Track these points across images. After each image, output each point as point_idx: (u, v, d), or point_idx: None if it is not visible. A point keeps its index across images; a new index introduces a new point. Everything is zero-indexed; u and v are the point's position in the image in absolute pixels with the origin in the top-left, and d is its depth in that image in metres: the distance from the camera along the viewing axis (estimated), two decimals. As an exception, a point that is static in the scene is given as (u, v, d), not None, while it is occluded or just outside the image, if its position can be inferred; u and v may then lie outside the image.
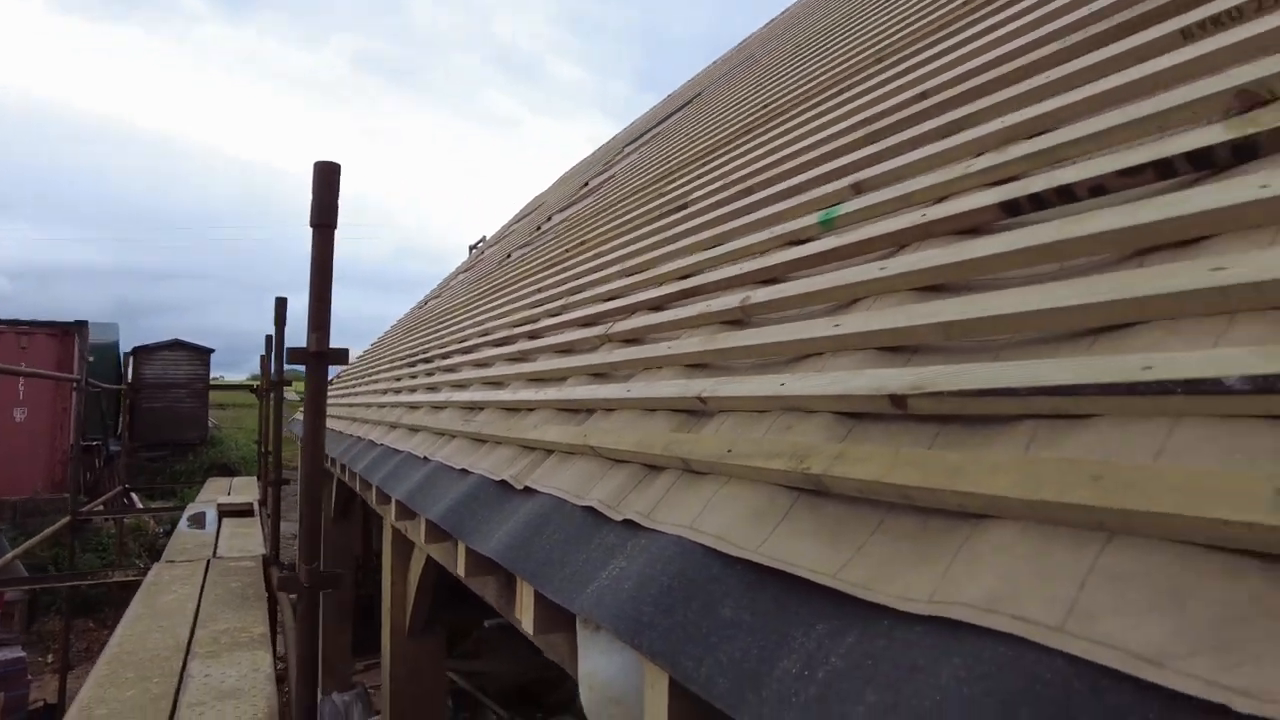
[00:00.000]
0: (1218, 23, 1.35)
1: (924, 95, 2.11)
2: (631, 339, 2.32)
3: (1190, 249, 1.00)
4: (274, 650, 4.77)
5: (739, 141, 3.55)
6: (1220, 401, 0.75)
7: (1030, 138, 1.48)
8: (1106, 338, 0.99)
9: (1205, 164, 1.10)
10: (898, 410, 1.11)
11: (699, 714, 1.16)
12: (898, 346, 1.28)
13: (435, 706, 5.40)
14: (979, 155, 1.57)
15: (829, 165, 2.18)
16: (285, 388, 8.91)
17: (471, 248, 14.85)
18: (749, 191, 2.61)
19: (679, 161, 4.30)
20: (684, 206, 3.18)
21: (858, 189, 1.90)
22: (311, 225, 3.08)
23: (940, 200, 1.55)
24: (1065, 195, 1.26)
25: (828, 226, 1.85)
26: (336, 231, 2.99)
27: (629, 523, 1.41)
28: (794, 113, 3.21)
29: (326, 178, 2.99)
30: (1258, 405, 0.73)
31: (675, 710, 1.17)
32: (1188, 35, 1.40)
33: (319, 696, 7.12)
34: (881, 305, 1.40)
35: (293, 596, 4.50)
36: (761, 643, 0.98)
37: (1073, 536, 0.76)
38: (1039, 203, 1.29)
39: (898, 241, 1.56)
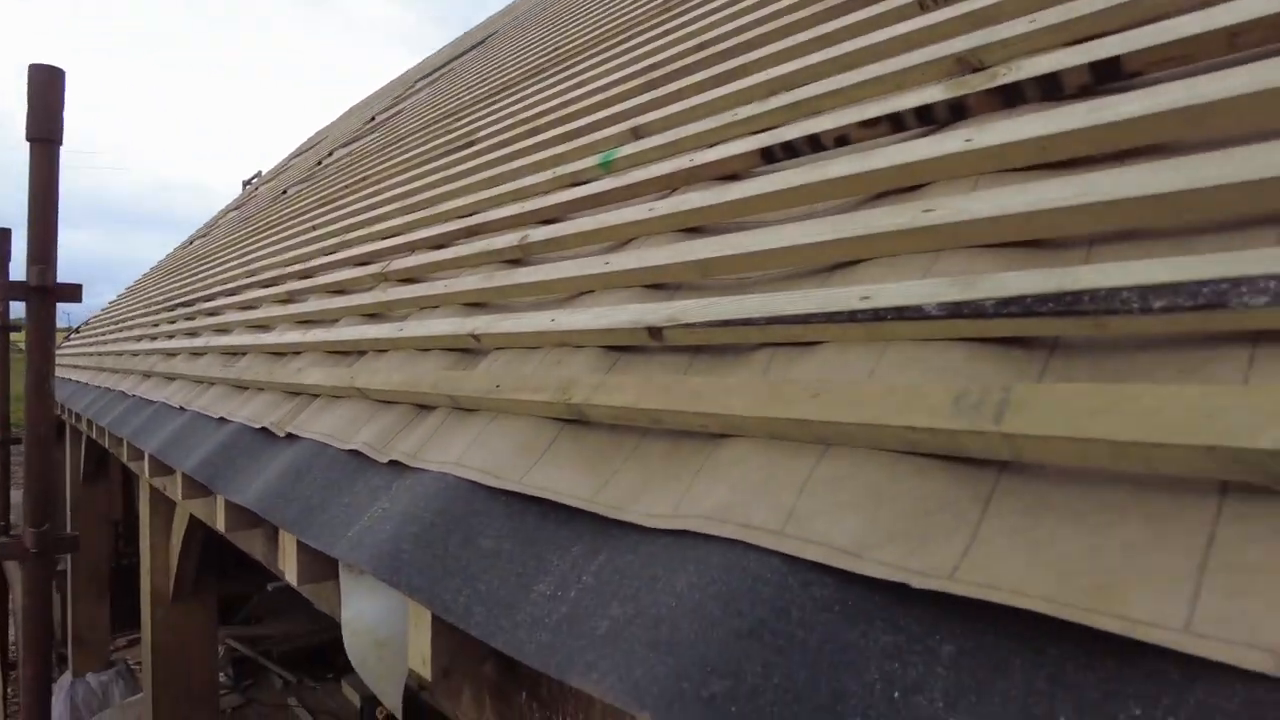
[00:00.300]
0: (948, -5, 1.49)
1: (702, 46, 2.17)
2: (409, 278, 2.22)
3: (912, 194, 1.10)
4: (4, 633, 4.20)
5: (529, 82, 3.47)
6: (922, 326, 0.84)
7: (790, 90, 1.56)
8: (841, 273, 1.08)
9: (929, 119, 1.21)
10: (656, 342, 1.14)
11: (464, 647, 1.16)
12: (661, 284, 1.32)
13: (206, 676, 5.03)
14: (745, 105, 1.64)
15: (611, 109, 2.19)
16: (15, 334, 7.73)
17: (246, 183, 13.53)
18: (535, 132, 2.57)
19: (469, 99, 4.15)
20: (471, 144, 3.07)
21: (636, 133, 1.92)
22: (29, 140, 2.66)
23: (709, 146, 1.60)
24: (814, 144, 1.34)
25: (607, 169, 1.86)
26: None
27: (395, 464, 1.37)
28: (582, 57, 3.18)
29: (46, 84, 2.58)
30: (950, 329, 0.82)
31: (439, 647, 1.16)
32: (923, 6, 1.53)
33: (69, 679, 6.42)
34: (650, 245, 1.44)
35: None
36: (519, 570, 0.98)
37: (797, 449, 0.83)
38: (792, 150, 1.37)
39: (669, 185, 1.60)
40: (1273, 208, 0.74)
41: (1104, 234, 0.87)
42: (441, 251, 2.16)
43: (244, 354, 2.75)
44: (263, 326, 2.94)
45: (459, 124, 3.67)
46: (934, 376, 0.80)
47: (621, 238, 1.56)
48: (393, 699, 1.45)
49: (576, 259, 1.57)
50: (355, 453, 1.50)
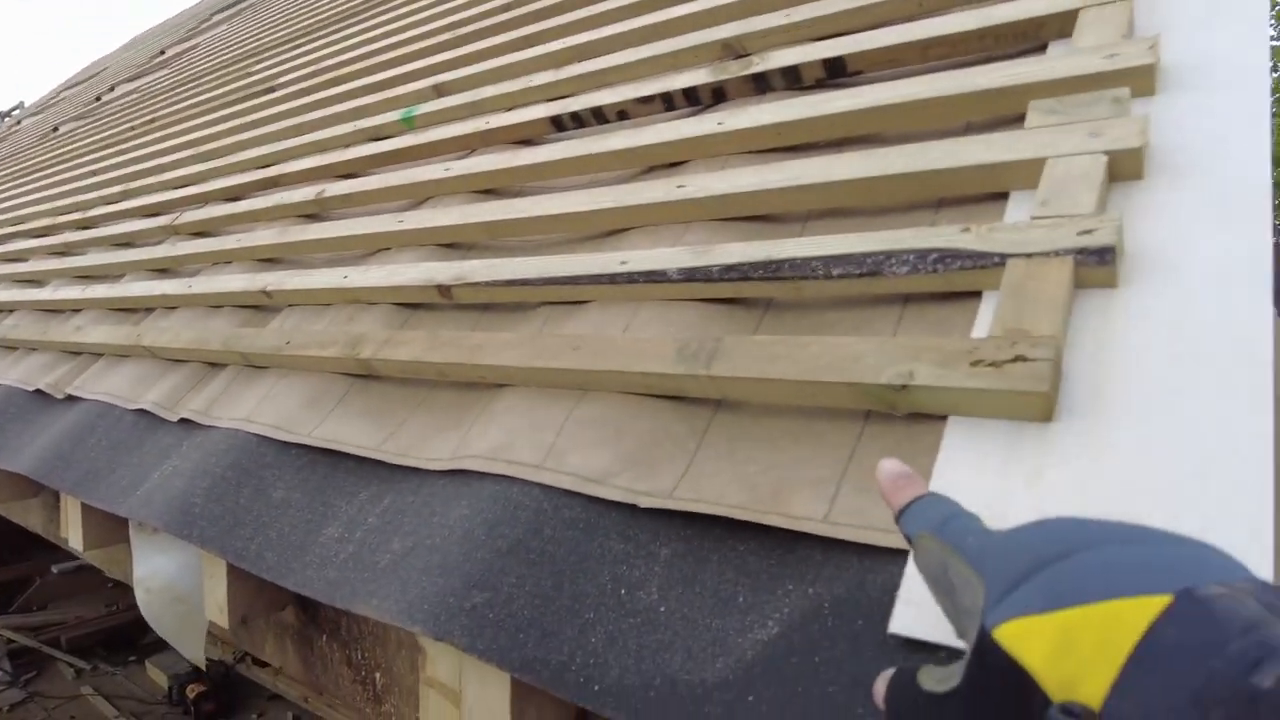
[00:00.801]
0: (722, -19, 1.62)
1: (506, 7, 2.21)
2: (202, 231, 2.14)
3: (674, 169, 1.24)
4: None
5: (335, 27, 3.34)
6: (667, 288, 0.98)
7: (581, 61, 1.66)
8: (612, 239, 1.20)
9: (695, 100, 1.35)
10: (445, 300, 1.22)
11: (261, 595, 1.20)
12: (454, 243, 1.39)
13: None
14: (541, 72, 1.71)
15: (416, 64, 2.19)
16: None
17: (4, 115, 11.87)
18: (338, 81, 2.51)
19: (272, 40, 3.91)
20: (271, 90, 2.94)
21: (439, 90, 1.95)
22: None
23: (506, 110, 1.67)
24: (599, 116, 1.45)
25: (408, 125, 1.88)
26: None
27: (186, 422, 1.36)
28: (390, 5, 3.11)
29: None
30: (687, 290, 0.96)
31: (235, 596, 1.19)
32: (704, -12, 1.66)
33: None
34: (445, 204, 1.50)
35: None
36: (309, 516, 1.04)
37: (560, 395, 0.94)
38: (579, 121, 1.47)
39: (466, 145, 1.65)
40: (933, 194, 0.93)
41: (818, 211, 1.03)
42: (236, 204, 2.09)
43: (10, 311, 2.53)
44: (34, 281, 2.70)
45: (260, 66, 3.47)
46: (673, 331, 0.94)
47: (418, 196, 1.60)
48: (193, 652, 1.46)
49: (373, 215, 1.60)
50: (144, 412, 1.47)
